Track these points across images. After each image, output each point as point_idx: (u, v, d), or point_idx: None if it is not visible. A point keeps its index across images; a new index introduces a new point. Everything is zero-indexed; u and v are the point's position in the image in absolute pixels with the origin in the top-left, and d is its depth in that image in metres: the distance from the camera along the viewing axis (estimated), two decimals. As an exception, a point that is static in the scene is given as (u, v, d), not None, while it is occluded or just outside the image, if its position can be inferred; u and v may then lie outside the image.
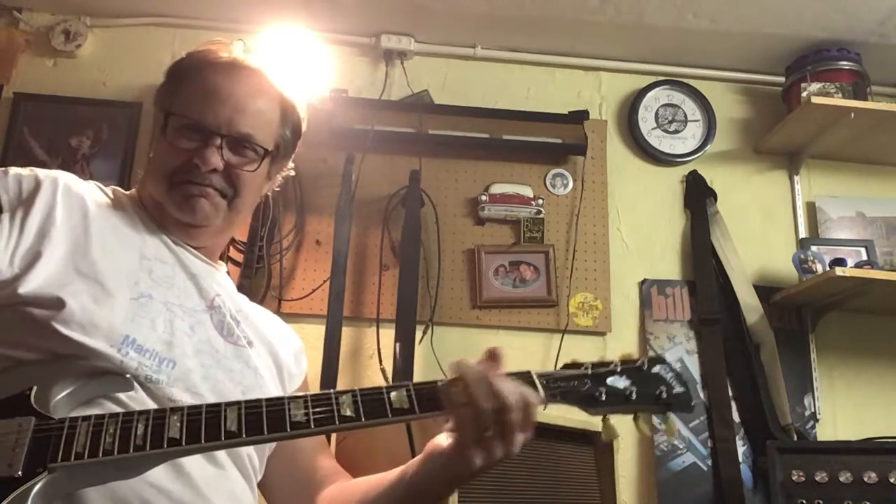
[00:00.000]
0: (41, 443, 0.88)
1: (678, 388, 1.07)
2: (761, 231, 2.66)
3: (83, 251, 1.08)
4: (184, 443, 0.89)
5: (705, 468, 2.41)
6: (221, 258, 1.36)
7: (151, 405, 1.00)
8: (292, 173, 1.36)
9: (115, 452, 0.88)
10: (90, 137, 2.56)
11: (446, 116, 2.59)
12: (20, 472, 0.85)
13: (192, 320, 1.14)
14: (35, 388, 0.93)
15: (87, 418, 0.91)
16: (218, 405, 0.94)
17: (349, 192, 2.46)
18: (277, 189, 1.37)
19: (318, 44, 2.61)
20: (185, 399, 1.05)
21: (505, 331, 2.49)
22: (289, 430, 0.92)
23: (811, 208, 2.70)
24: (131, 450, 0.87)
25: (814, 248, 2.56)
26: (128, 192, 1.26)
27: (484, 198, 2.55)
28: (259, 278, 2.37)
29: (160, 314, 1.10)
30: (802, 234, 2.66)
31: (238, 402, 0.94)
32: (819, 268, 2.45)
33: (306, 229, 2.47)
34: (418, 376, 2.31)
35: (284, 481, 1.27)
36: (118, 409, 0.97)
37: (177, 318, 1.12)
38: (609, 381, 1.06)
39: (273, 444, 1.22)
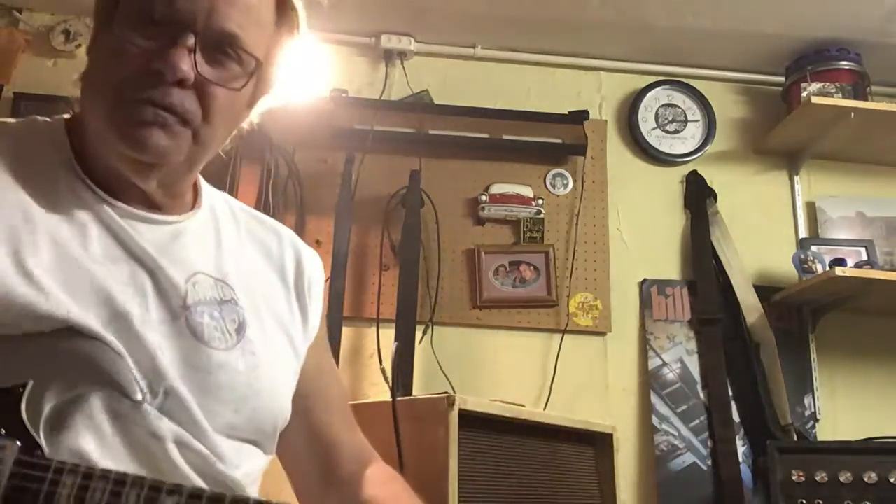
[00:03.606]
0: (17, 493, 0.73)
1: None
2: (761, 231, 2.66)
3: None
4: None
5: (705, 468, 2.41)
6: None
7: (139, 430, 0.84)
8: (255, 121, 1.02)
9: None
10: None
11: (446, 116, 2.59)
12: None
13: (163, 339, 0.88)
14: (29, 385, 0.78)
15: (75, 470, 0.74)
16: (220, 499, 0.77)
17: (349, 192, 2.46)
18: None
19: (317, 44, 2.61)
20: (172, 432, 0.86)
21: (505, 331, 2.49)
22: None
23: (811, 208, 2.70)
24: None
25: (814, 248, 2.56)
26: (51, 122, 0.95)
27: (484, 198, 2.55)
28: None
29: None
30: (802, 234, 2.66)
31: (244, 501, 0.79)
32: (819, 268, 2.45)
33: (306, 229, 2.47)
34: (418, 377, 2.31)
35: (302, 454, 1.10)
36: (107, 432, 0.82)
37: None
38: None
39: (286, 417, 1.01)
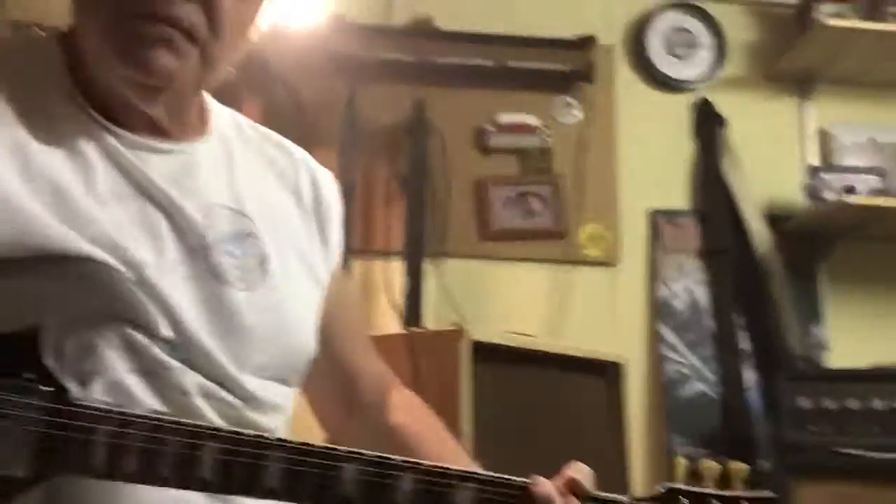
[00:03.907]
0: (50, 442, 0.71)
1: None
2: (771, 158, 2.61)
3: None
4: (213, 489, 0.75)
5: (714, 396, 2.42)
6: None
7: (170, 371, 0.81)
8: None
9: (136, 480, 0.73)
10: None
11: (450, 43, 2.51)
12: (27, 474, 0.69)
13: (183, 283, 0.83)
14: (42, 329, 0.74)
15: (109, 415, 0.72)
16: (263, 443, 0.75)
17: (353, 123, 2.40)
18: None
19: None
20: (198, 385, 0.82)
21: (514, 263, 2.45)
22: None
23: (823, 135, 2.65)
24: (156, 482, 0.74)
25: (825, 175, 2.51)
26: (44, 38, 0.88)
27: (490, 128, 2.50)
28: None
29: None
30: (813, 161, 2.61)
31: (284, 445, 0.77)
32: (831, 196, 2.41)
33: (310, 161, 2.42)
34: (428, 309, 2.29)
35: (324, 383, 1.05)
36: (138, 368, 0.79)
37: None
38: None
39: (314, 350, 0.96)
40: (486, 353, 1.59)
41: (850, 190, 2.33)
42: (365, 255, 2.39)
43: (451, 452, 1.01)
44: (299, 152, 1.05)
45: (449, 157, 2.48)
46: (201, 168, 0.89)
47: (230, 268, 0.86)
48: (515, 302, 2.41)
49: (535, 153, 2.52)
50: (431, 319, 2.28)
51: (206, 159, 0.91)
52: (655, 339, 2.45)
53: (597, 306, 2.45)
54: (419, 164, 2.38)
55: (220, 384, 0.84)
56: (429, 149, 2.43)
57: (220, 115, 0.98)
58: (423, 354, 1.54)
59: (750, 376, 2.42)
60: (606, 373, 2.00)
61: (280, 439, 0.77)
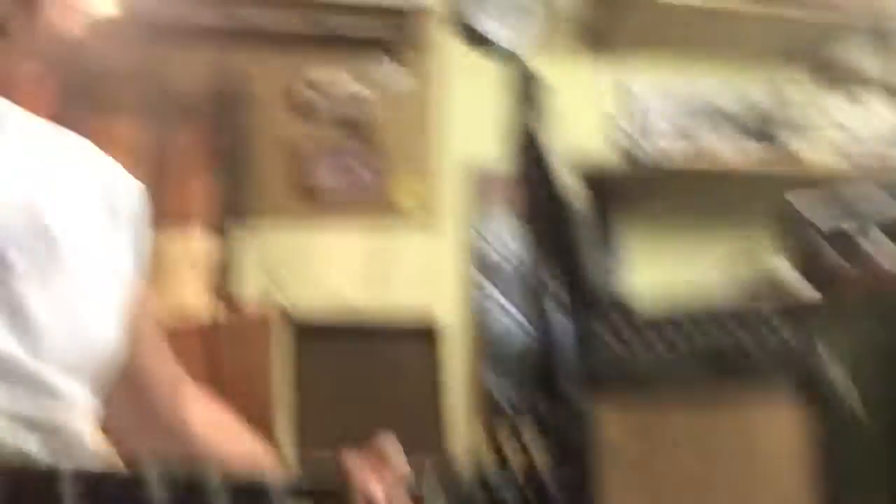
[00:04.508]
0: None
1: None
2: (582, 117, 2.72)
3: None
4: None
5: (531, 345, 2.53)
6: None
7: None
8: None
9: None
10: None
11: (263, 7, 2.41)
12: None
13: None
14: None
15: None
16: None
17: (157, 90, 2.26)
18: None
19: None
20: None
21: (333, 227, 2.44)
22: None
23: (627, 93, 2.78)
24: None
25: (631, 132, 2.65)
26: None
27: (306, 90, 2.43)
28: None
29: None
30: (621, 119, 2.74)
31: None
32: (638, 152, 2.55)
33: (113, 133, 2.26)
34: (243, 280, 2.23)
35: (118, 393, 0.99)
36: None
37: None
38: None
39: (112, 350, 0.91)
40: (306, 332, 1.58)
41: (655, 146, 2.47)
42: (173, 226, 2.28)
43: (240, 443, 1.02)
44: (95, 153, 0.99)
45: (262, 121, 2.40)
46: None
47: (20, 262, 0.79)
48: (336, 267, 2.40)
49: (352, 115, 2.49)
50: (247, 291, 2.24)
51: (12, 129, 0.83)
52: (477, 295, 2.53)
53: (418, 266, 2.49)
54: (231, 130, 2.29)
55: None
56: (241, 114, 2.34)
57: (7, 104, 0.90)
58: (235, 340, 1.50)
59: (561, 320, 2.54)
60: (426, 337, 2.04)
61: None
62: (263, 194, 2.37)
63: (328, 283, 2.36)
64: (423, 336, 2.03)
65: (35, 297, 0.80)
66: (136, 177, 1.07)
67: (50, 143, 0.93)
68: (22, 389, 0.79)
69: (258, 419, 1.10)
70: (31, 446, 0.77)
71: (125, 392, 1.01)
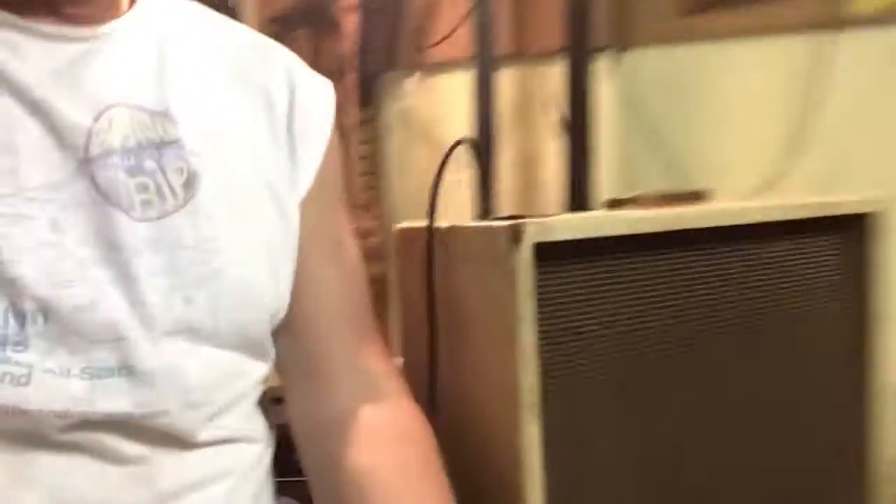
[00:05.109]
0: None
1: None
2: None
3: None
4: None
5: None
6: None
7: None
8: None
9: None
10: None
11: None
12: None
13: (52, 214, 0.58)
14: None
15: None
16: None
17: None
18: None
19: None
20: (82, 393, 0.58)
21: (738, 41, 1.66)
22: None
23: None
24: None
25: None
26: None
27: None
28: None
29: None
30: None
31: None
32: None
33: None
34: (608, 120, 1.70)
35: (290, 366, 0.77)
36: None
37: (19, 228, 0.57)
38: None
39: (274, 308, 0.71)
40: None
41: None
42: (516, 60, 1.80)
43: None
44: (278, 50, 0.77)
45: None
46: (106, 58, 0.64)
47: (126, 187, 0.61)
48: (738, 107, 1.66)
49: None
50: (607, 148, 1.69)
51: (118, 47, 0.65)
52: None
53: (874, 101, 1.58)
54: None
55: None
56: None
57: None
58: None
59: None
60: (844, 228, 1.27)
61: None
62: (629, 4, 1.72)
63: (724, 129, 1.64)
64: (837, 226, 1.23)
65: (153, 240, 0.62)
66: None
67: (208, 38, 0.73)
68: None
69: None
70: None
71: (294, 368, 0.76)
